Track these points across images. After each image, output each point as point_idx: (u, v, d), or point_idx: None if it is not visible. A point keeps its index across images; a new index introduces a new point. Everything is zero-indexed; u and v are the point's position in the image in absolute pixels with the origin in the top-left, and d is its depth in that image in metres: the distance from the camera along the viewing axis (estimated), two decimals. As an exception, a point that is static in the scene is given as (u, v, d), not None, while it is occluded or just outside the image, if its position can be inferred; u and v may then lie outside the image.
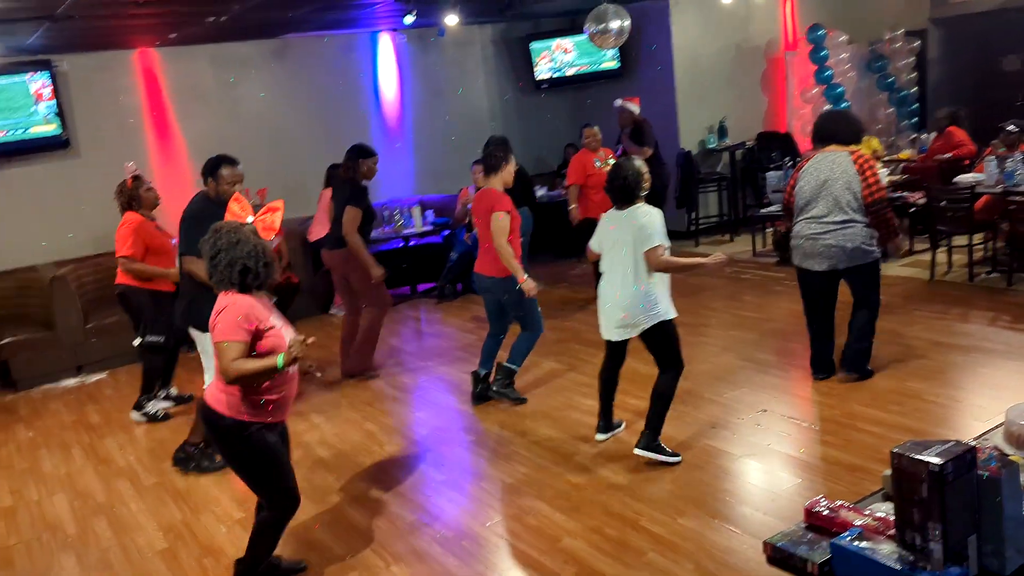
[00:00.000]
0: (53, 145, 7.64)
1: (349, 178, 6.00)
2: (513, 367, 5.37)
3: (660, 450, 4.29)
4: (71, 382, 7.00)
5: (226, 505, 4.40)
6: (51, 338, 6.99)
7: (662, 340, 4.26)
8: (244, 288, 3.15)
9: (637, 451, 4.31)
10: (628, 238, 4.18)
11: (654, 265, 4.12)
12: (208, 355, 4.48)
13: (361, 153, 6.00)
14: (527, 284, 5.03)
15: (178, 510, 4.42)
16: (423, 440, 5.04)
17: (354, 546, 3.85)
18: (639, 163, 4.30)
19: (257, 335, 3.10)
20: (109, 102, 7.99)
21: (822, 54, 9.91)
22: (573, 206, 7.65)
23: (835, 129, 5.00)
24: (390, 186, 9.56)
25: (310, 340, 3.16)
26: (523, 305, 5.18)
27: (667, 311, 4.21)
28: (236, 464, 3.32)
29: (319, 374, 3.47)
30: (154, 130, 8.27)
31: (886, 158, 9.12)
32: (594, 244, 4.51)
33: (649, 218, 4.17)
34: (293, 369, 3.25)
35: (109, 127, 7.96)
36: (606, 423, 4.68)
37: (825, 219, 4.83)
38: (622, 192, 4.27)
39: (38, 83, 7.51)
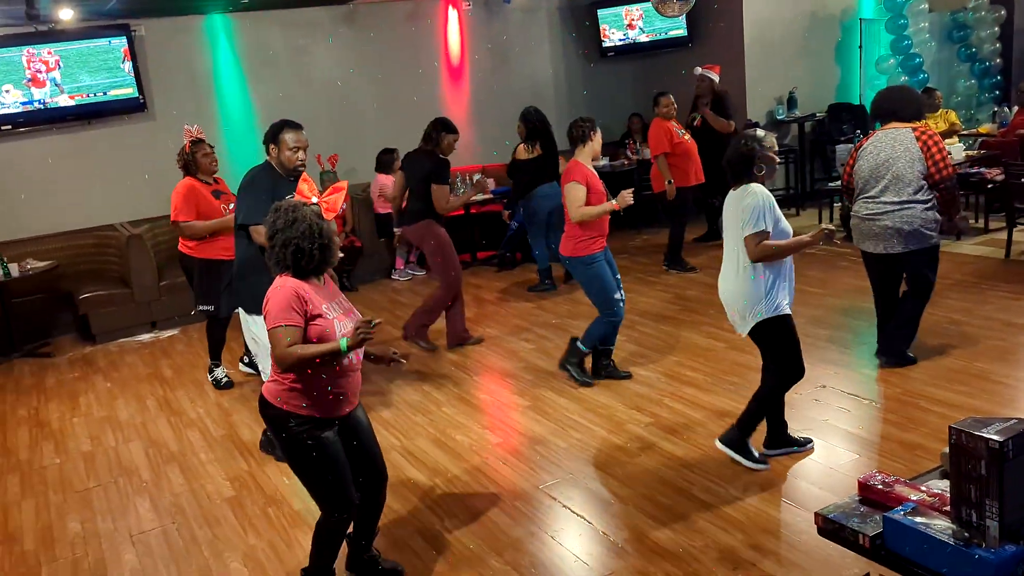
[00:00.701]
0: (130, 108, 7.90)
1: (428, 151, 5.92)
2: (582, 348, 5.14)
3: (743, 451, 3.93)
4: (146, 337, 7.29)
5: (290, 458, 4.57)
6: (127, 295, 7.29)
7: (768, 339, 3.84)
8: (299, 271, 2.96)
9: (717, 443, 4.03)
10: (733, 222, 3.79)
11: (750, 254, 3.69)
12: (253, 340, 4.44)
13: (446, 127, 5.94)
14: (621, 198, 4.84)
15: (244, 461, 4.61)
16: (479, 404, 5.13)
17: (410, 502, 3.97)
18: (763, 134, 3.84)
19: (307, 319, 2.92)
20: (183, 66, 8.20)
21: (900, 22, 9.57)
22: (670, 180, 7.53)
23: (894, 106, 4.78)
24: (454, 153, 9.61)
25: (377, 321, 2.88)
26: (591, 286, 5.02)
27: (775, 307, 3.75)
28: (285, 457, 3.12)
29: (404, 362, 3.15)
30: (225, 94, 8.46)
31: (964, 132, 8.81)
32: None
33: (753, 199, 3.70)
34: (355, 358, 3.04)
35: (182, 91, 8.18)
36: (770, 435, 4.10)
37: (882, 199, 4.64)
38: (734, 167, 3.81)
39: (117, 47, 7.75)
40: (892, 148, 4.64)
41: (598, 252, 4.95)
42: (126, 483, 4.51)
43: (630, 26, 10.05)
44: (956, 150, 7.78)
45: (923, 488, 2.30)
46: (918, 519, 2.12)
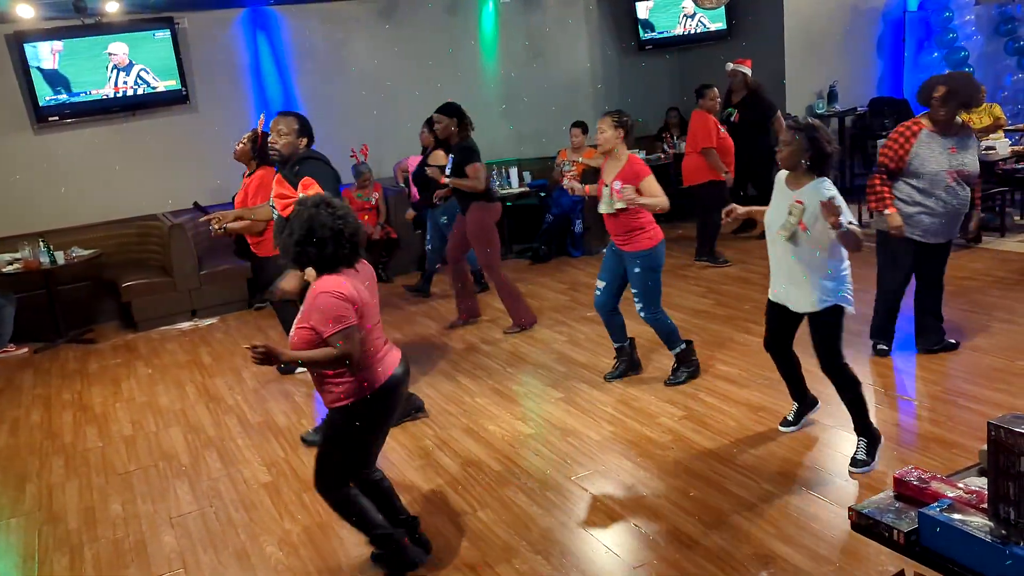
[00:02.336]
0: (173, 100, 8.04)
1: (449, 136, 6.04)
2: (680, 347, 4.99)
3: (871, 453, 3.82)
4: (186, 325, 7.43)
5: (325, 445, 4.64)
6: (168, 283, 7.43)
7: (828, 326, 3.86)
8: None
9: (850, 469, 3.80)
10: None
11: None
12: None
13: (462, 113, 6.05)
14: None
15: (280, 448, 4.68)
16: (512, 394, 5.15)
17: (443, 490, 4.00)
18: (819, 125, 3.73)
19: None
20: (224, 58, 8.32)
21: (945, 15, 9.37)
22: (726, 171, 7.47)
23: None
24: (488, 146, 9.63)
25: (256, 347, 2.88)
26: (653, 279, 4.87)
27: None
28: (345, 440, 3.21)
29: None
30: (265, 86, 8.57)
31: (1010, 128, 8.61)
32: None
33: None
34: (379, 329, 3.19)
35: (224, 82, 8.31)
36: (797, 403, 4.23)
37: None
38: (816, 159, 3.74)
39: (161, 39, 7.89)
40: None
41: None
42: (166, 467, 4.61)
43: (668, 18, 9.97)
44: (1001, 145, 7.62)
45: (960, 485, 2.27)
46: (955, 516, 2.10)
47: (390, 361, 3.22)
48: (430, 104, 8.83)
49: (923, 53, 9.72)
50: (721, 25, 9.73)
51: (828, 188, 3.70)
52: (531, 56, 9.81)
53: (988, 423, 2.00)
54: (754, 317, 6.02)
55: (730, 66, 8.23)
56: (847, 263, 3.78)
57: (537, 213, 8.74)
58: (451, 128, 6.07)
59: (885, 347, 5.05)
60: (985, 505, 2.09)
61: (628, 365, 5.20)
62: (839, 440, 4.11)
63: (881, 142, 8.01)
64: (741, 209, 4.10)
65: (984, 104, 8.48)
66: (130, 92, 7.89)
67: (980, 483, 2.25)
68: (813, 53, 9.33)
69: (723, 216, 4.09)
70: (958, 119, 4.70)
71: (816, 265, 3.74)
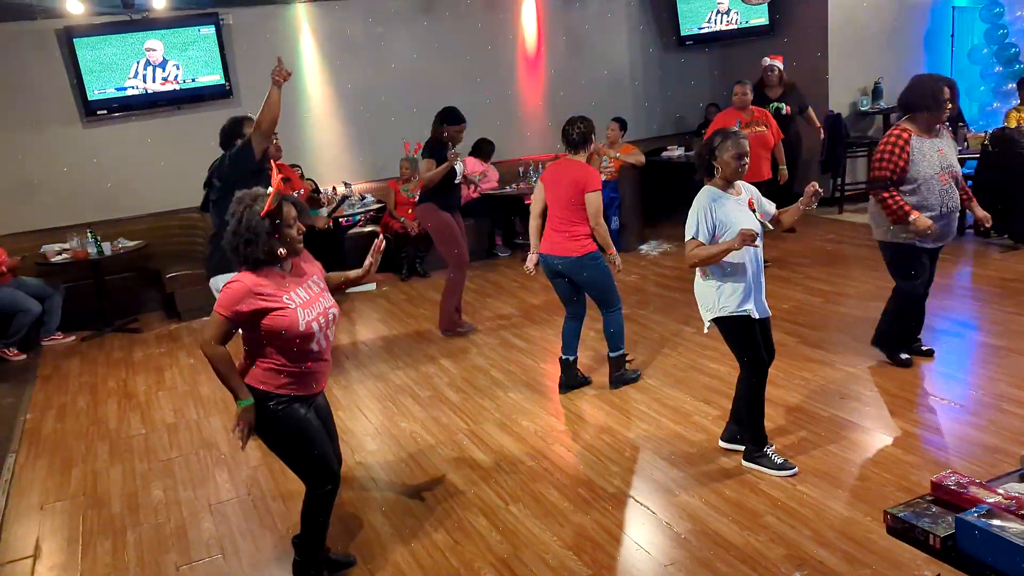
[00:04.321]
0: (217, 94, 8.18)
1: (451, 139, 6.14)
2: (619, 352, 5.04)
3: (758, 460, 3.88)
4: (227, 316, 7.55)
5: (360, 438, 4.70)
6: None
7: (726, 339, 3.91)
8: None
9: (744, 462, 3.95)
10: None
11: (686, 260, 3.78)
12: None
13: (446, 119, 6.15)
14: (617, 258, 4.82)
15: (317, 438, 4.75)
16: (545, 391, 5.16)
17: (476, 484, 4.03)
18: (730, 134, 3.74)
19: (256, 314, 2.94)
20: (267, 54, 8.42)
21: (996, 10, 9.15)
22: (783, 165, 7.35)
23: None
24: (530, 142, 9.66)
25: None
26: (604, 282, 4.86)
27: (722, 307, 3.78)
28: (265, 436, 3.11)
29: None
30: (307, 81, 8.67)
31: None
32: None
33: (693, 205, 3.75)
34: (324, 343, 3.09)
35: (266, 78, 8.38)
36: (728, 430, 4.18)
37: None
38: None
39: (207, 35, 8.02)
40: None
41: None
42: (206, 455, 4.70)
43: (710, 14, 9.87)
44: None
45: (1000, 491, 2.23)
46: (993, 522, 2.07)
47: (316, 384, 3.14)
48: (470, 98, 8.93)
49: (973, 49, 9.50)
50: (764, 20, 9.61)
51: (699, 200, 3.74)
52: (571, 51, 9.79)
53: (1029, 428, 1.96)
54: (792, 317, 5.96)
55: (766, 61, 8.14)
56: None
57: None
58: (436, 130, 6.18)
59: (908, 355, 4.94)
60: (1024, 512, 2.06)
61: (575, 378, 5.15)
62: (874, 441, 4.05)
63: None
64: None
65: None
66: (175, 87, 8.04)
67: (1020, 489, 2.21)
68: (858, 49, 9.18)
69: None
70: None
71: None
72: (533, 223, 5.05)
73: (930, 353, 4.99)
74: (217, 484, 4.33)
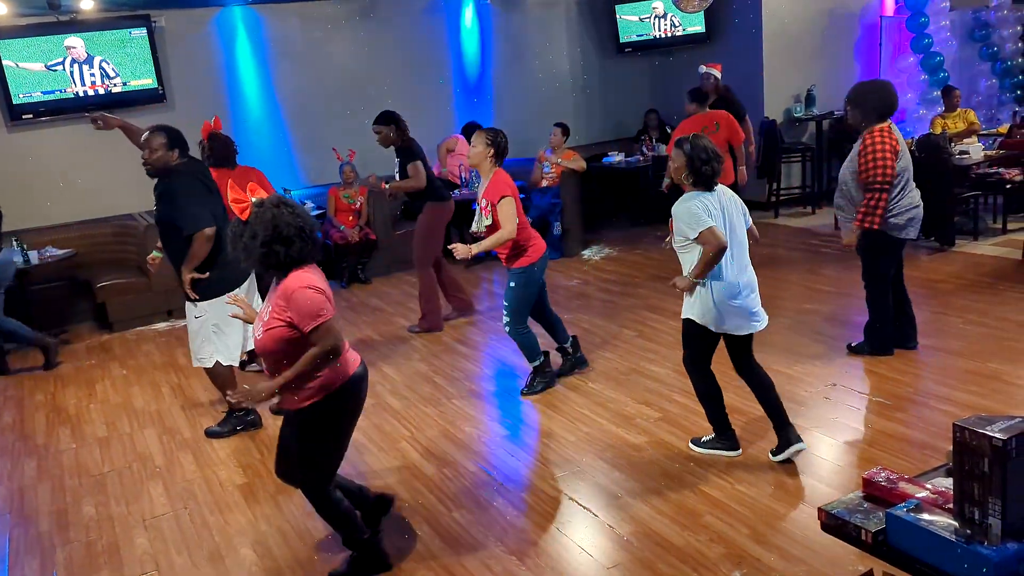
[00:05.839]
0: (149, 98, 7.98)
1: (392, 143, 6.21)
2: (539, 360, 5.08)
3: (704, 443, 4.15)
4: (162, 326, 7.37)
5: (301, 447, 4.62)
6: (144, 284, 7.35)
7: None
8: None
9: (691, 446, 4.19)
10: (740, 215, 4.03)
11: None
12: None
13: (398, 118, 6.24)
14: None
15: (256, 450, 4.65)
16: (489, 396, 5.16)
17: (419, 492, 4.00)
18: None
19: None
20: (202, 57, 8.27)
21: (921, 20, 9.49)
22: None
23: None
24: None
25: None
26: (525, 295, 4.91)
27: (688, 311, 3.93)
28: (316, 440, 3.19)
29: None
30: (243, 86, 8.52)
31: (984, 132, 8.73)
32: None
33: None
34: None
35: (201, 82, 8.25)
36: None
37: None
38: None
39: (138, 37, 7.82)
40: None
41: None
42: (140, 468, 4.57)
43: (647, 22, 10.02)
44: (975, 150, 7.72)
45: (928, 485, 2.30)
46: (921, 516, 2.13)
47: (352, 354, 3.25)
48: (409, 103, 8.89)
49: (899, 58, 9.83)
50: (700, 28, 9.79)
51: (679, 203, 3.79)
52: (512, 57, 9.82)
53: (954, 424, 2.02)
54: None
55: (703, 69, 8.29)
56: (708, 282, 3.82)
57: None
58: (390, 135, 6.20)
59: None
60: (951, 505, 2.12)
61: (573, 364, 5.28)
62: (813, 441, 4.14)
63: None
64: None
65: (959, 109, 8.61)
66: (105, 90, 7.82)
67: (947, 483, 2.28)
68: (791, 57, 9.42)
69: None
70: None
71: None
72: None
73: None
74: (152, 498, 4.21)
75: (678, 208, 3.77)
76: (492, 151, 4.83)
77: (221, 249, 4.34)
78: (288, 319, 2.97)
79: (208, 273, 4.55)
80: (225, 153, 5.90)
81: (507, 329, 4.99)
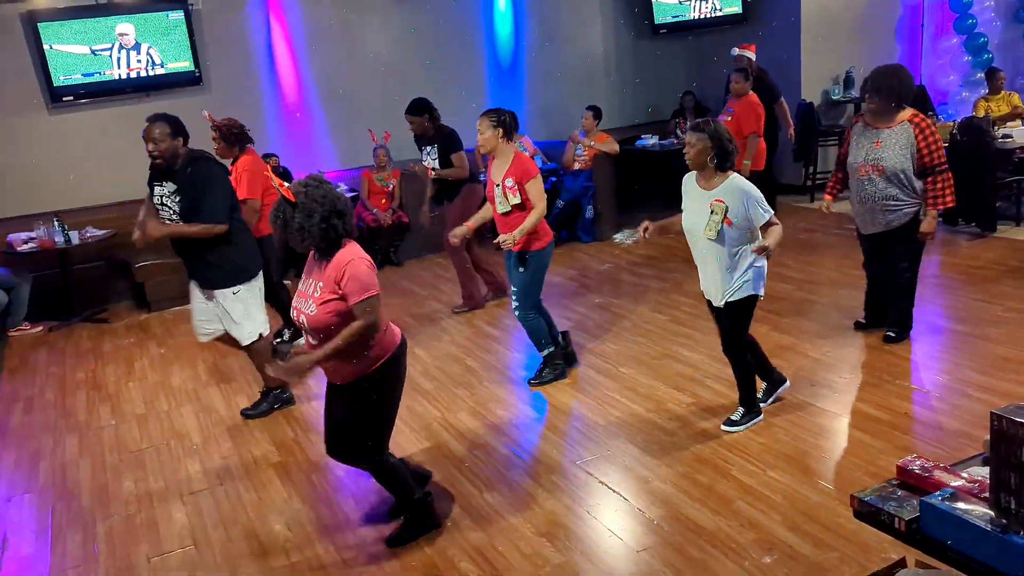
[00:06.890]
0: (186, 81, 8.07)
1: (425, 131, 6.27)
2: (549, 349, 5.04)
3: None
4: (198, 305, 7.47)
5: (334, 427, 4.68)
6: (181, 264, 7.43)
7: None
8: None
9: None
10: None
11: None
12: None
13: (431, 106, 6.32)
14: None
15: (290, 429, 4.73)
16: (519, 379, 5.17)
17: (451, 473, 4.04)
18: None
19: None
20: (238, 40, 8.33)
21: (965, 1, 9.26)
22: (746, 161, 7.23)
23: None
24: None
25: None
26: (537, 279, 4.92)
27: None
28: (376, 408, 3.33)
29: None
30: (278, 68, 8.58)
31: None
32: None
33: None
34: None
35: (237, 64, 8.31)
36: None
37: None
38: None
39: (175, 20, 7.90)
40: None
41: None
42: (177, 446, 4.66)
43: (685, 3, 9.89)
44: (1019, 133, 7.54)
45: (963, 474, 2.27)
46: (956, 505, 2.10)
47: (393, 326, 3.35)
48: (442, 86, 8.90)
49: (942, 38, 9.60)
50: (737, 9, 9.64)
51: (743, 184, 3.86)
52: (545, 40, 9.76)
53: (991, 413, 1.99)
54: (763, 305, 6.00)
55: (736, 51, 8.17)
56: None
57: (548, 198, 8.69)
58: (424, 124, 6.26)
59: (863, 322, 5.27)
60: (987, 494, 2.09)
61: (565, 360, 5.16)
62: (843, 427, 4.11)
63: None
64: (653, 225, 4.25)
65: (1003, 91, 8.42)
66: (143, 73, 7.92)
67: (983, 472, 2.25)
68: (830, 38, 9.24)
69: (641, 232, 4.19)
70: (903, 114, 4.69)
71: (741, 257, 3.92)
72: None
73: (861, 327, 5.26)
74: (189, 475, 4.29)
75: (749, 189, 3.80)
76: (500, 131, 4.78)
77: (244, 234, 4.65)
78: (342, 293, 3.04)
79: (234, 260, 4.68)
80: (243, 131, 5.71)
81: (516, 314, 4.96)
